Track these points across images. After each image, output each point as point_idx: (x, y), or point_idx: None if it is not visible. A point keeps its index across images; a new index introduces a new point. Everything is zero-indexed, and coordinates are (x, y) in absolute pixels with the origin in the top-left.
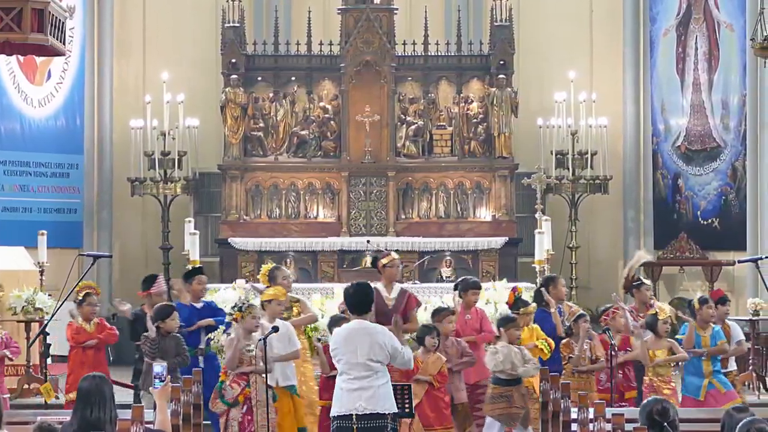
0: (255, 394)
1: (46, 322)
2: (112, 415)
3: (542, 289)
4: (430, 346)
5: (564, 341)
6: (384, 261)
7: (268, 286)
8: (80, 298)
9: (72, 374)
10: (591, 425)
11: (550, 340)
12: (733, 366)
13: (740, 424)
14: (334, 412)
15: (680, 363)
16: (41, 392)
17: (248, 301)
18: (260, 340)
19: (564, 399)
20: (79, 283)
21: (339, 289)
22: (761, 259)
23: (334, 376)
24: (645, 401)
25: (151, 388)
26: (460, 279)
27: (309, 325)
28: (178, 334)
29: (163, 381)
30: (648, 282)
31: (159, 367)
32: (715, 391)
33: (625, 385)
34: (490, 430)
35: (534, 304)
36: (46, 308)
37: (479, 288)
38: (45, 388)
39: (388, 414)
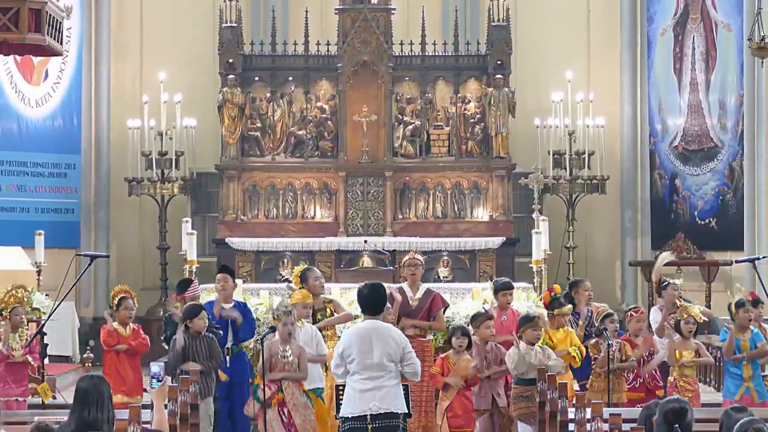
0: (291, 398)
1: (43, 322)
2: (110, 415)
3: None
4: (456, 346)
5: (592, 342)
6: (404, 261)
7: (301, 287)
8: (116, 302)
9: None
10: (588, 425)
11: (582, 348)
12: None
13: (738, 424)
14: (346, 413)
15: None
16: (39, 392)
17: (285, 307)
18: (257, 340)
19: (561, 399)
20: (114, 288)
21: (336, 289)
22: (758, 259)
23: None
24: (665, 399)
25: (148, 388)
26: (493, 281)
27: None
28: (210, 335)
29: (160, 381)
30: (676, 281)
31: (156, 367)
32: (748, 398)
33: (653, 384)
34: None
35: (570, 306)
36: (44, 308)
37: (511, 288)
38: (42, 388)
39: (401, 414)
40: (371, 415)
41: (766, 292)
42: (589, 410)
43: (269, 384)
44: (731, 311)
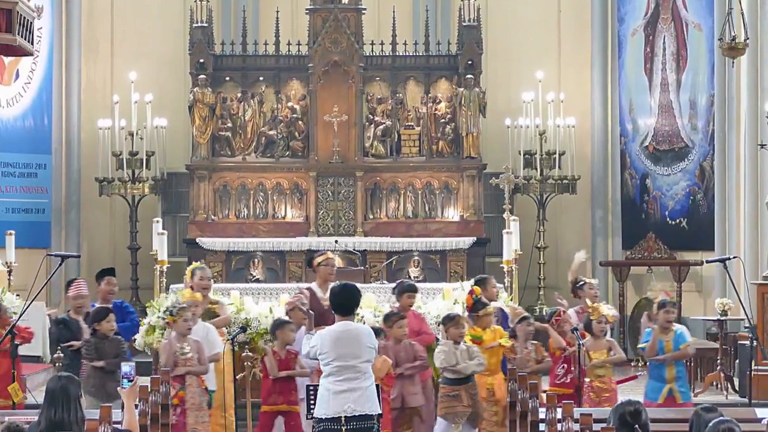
0: (190, 396)
1: (13, 322)
2: (78, 415)
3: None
4: None
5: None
6: (319, 260)
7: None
8: None
9: None
10: (559, 425)
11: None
12: None
13: (711, 423)
14: (319, 414)
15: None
16: (9, 392)
17: (180, 304)
18: (227, 340)
19: (532, 399)
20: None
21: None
22: (729, 259)
23: (280, 379)
24: (618, 403)
25: (119, 388)
26: (396, 282)
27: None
28: (117, 336)
29: (131, 381)
30: (592, 280)
31: (127, 367)
32: (671, 399)
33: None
34: (439, 428)
35: (492, 306)
36: (14, 308)
37: (415, 291)
38: (12, 388)
39: (374, 415)
40: (346, 417)
41: (736, 291)
42: (560, 410)
43: (173, 383)
44: (653, 312)
